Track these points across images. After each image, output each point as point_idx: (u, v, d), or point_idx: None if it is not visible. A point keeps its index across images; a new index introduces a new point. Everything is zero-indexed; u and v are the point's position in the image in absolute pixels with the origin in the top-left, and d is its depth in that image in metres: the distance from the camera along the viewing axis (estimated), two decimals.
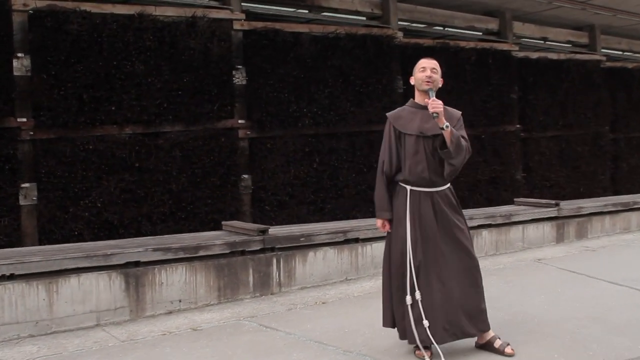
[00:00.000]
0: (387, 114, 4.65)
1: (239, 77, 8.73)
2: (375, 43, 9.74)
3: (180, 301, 6.03)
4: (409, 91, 10.02)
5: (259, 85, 8.75)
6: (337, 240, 7.12)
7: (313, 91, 9.16)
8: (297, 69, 9.00)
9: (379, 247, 7.39)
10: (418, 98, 4.60)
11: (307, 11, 10.10)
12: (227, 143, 8.48)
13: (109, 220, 7.63)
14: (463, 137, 4.51)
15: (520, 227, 8.87)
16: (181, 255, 6.00)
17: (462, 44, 10.96)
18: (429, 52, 10.28)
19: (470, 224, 8.03)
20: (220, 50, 8.35)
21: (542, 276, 7.22)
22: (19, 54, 7.32)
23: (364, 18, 10.58)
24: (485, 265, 7.63)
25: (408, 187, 4.49)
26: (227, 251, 6.33)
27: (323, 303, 6.20)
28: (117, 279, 5.70)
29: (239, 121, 8.69)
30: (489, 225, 8.51)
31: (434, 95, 4.43)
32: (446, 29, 11.78)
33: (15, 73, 7.32)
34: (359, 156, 9.57)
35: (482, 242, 8.47)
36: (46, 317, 5.34)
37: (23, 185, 7.30)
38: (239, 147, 8.68)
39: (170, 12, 8.28)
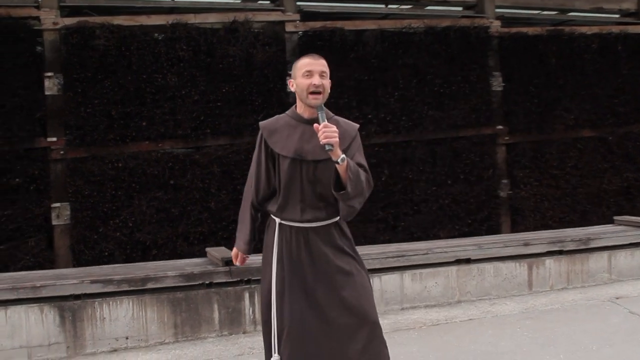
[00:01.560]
0: (261, 123, 3.55)
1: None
2: (461, 36, 8.43)
3: (127, 338, 5.40)
4: (510, 89, 8.67)
5: None
6: None
7: (380, 95, 8.12)
8: (359, 71, 8.03)
9: (391, 281, 6.28)
10: (301, 108, 3.44)
11: (383, 5, 9.08)
12: None
13: (141, 240, 7.24)
14: (361, 165, 3.39)
15: (604, 254, 6.99)
16: (125, 287, 5.34)
17: (584, 29, 9.21)
18: (535, 42, 8.82)
19: (529, 250, 6.64)
20: (265, 55, 7.67)
21: (597, 324, 5.54)
22: (49, 73, 7.24)
23: (460, 8, 9.31)
24: (533, 304, 6.25)
25: (277, 220, 3.42)
26: (183, 284, 5.55)
27: None
28: (50, 313, 5.25)
29: None
30: (558, 252, 6.81)
31: (324, 114, 3.24)
32: (559, 14, 10.07)
33: (46, 92, 7.24)
34: (439, 166, 8.30)
35: (546, 273, 6.79)
36: None
37: (54, 205, 7.17)
38: None
39: (212, 18, 7.79)
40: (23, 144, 7.08)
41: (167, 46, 7.41)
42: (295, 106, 3.48)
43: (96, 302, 5.33)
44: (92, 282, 5.33)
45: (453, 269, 6.39)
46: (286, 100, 7.84)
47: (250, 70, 7.65)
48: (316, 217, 3.34)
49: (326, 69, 3.41)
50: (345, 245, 3.42)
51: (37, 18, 7.25)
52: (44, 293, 5.21)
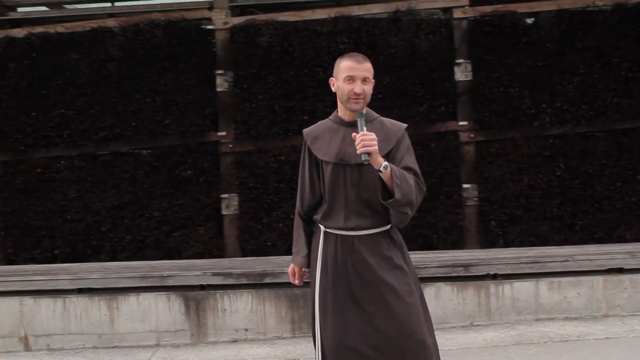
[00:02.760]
0: (304, 130, 3.36)
1: (462, 73, 7.58)
2: None
3: (246, 330, 5.47)
4: None
5: (482, 80, 7.48)
6: (454, 275, 5.61)
7: (556, 82, 7.44)
8: (532, 57, 7.43)
9: (524, 288, 5.70)
10: (342, 111, 3.24)
11: None
12: (440, 149, 7.45)
13: None
14: (410, 169, 3.12)
15: None
16: (244, 281, 5.43)
17: None
18: None
19: None
20: (429, 44, 7.38)
21: None
22: (220, 71, 7.60)
23: None
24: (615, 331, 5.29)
25: (322, 228, 3.22)
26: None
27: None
28: (177, 301, 5.50)
29: (460, 123, 7.55)
30: None
31: (364, 122, 3.01)
32: None
33: (217, 89, 7.63)
34: (626, 159, 7.42)
35: None
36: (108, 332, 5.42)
37: (223, 195, 7.54)
38: (459, 152, 7.55)
39: (376, 9, 7.66)
40: (195, 138, 7.56)
41: (329, 39, 7.44)
42: (337, 109, 3.28)
43: (218, 294, 5.53)
44: (214, 274, 5.56)
45: (599, 278, 5.68)
46: (451, 91, 7.53)
47: (413, 61, 7.43)
48: (360, 225, 3.14)
49: (370, 73, 3.16)
50: (395, 256, 3.16)
51: (209, 19, 7.68)
52: (171, 282, 5.53)
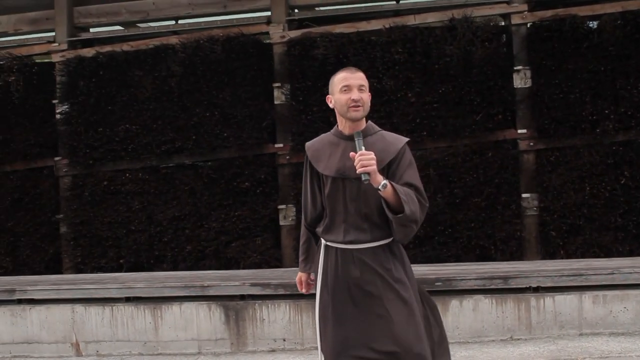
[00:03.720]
0: (306, 144, 3.34)
1: (521, 80, 7.42)
2: None
3: (284, 340, 5.52)
4: None
5: (541, 87, 7.29)
6: (493, 287, 5.43)
7: (619, 87, 7.17)
8: (594, 61, 7.19)
9: (567, 302, 5.42)
10: (342, 125, 3.18)
11: None
12: (497, 158, 7.31)
13: None
14: (411, 185, 3.07)
15: None
16: (281, 292, 5.47)
17: None
18: None
19: None
20: (485, 52, 7.27)
21: None
22: (277, 84, 7.74)
23: None
24: None
25: (323, 242, 3.21)
26: None
27: None
28: (217, 311, 5.61)
29: (519, 131, 7.38)
30: None
31: (362, 142, 2.98)
32: None
33: (275, 102, 7.77)
34: None
35: None
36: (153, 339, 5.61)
37: (280, 207, 7.65)
38: (518, 160, 7.38)
39: (431, 18, 7.61)
40: (252, 150, 7.71)
41: (383, 50, 7.46)
42: (337, 124, 3.23)
43: (256, 304, 5.59)
44: (252, 285, 5.63)
45: None
46: (509, 99, 7.39)
47: (468, 69, 7.34)
48: (359, 239, 3.10)
49: (365, 82, 3.14)
50: (395, 269, 3.11)
51: (267, 33, 7.85)
52: (211, 292, 5.65)
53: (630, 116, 7.17)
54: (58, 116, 8.14)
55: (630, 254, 7.12)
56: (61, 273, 8.05)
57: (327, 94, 3.31)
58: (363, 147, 2.96)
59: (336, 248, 3.14)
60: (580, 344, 5.15)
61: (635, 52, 7.18)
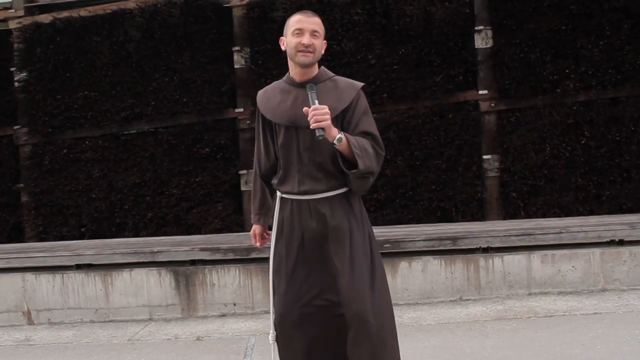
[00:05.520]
0: (258, 92, 3.26)
1: (482, 40, 7.33)
2: None
3: (234, 304, 5.49)
4: None
5: (502, 47, 7.21)
6: (442, 248, 5.40)
7: (581, 45, 7.10)
8: (555, 20, 7.10)
9: (516, 262, 5.43)
10: (293, 71, 3.10)
11: None
12: (458, 119, 7.24)
13: None
14: (367, 133, 2.99)
15: None
16: (231, 256, 5.42)
17: None
18: None
19: None
20: (445, 12, 7.17)
21: None
22: (237, 47, 7.63)
23: None
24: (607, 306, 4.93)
25: (278, 194, 3.14)
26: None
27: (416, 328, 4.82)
28: (167, 276, 5.56)
29: (480, 92, 7.32)
30: None
31: (315, 95, 2.90)
32: None
33: (235, 66, 7.67)
34: None
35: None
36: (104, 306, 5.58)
37: (242, 172, 7.59)
38: (479, 122, 7.32)
39: None
40: (212, 115, 7.62)
41: (343, 11, 7.34)
42: (289, 70, 3.15)
43: (206, 269, 5.56)
44: (202, 249, 5.59)
45: (596, 251, 5.35)
46: (470, 59, 7.31)
47: (428, 30, 7.24)
48: (315, 189, 3.03)
49: (319, 27, 3.04)
50: (351, 222, 3.04)
51: None
52: (161, 258, 5.61)
53: (591, 75, 7.10)
54: (16, 84, 8.00)
55: (591, 213, 7.10)
56: (23, 242, 8.00)
57: (286, 57, 3.24)
58: (316, 101, 2.89)
59: (291, 200, 3.07)
60: (527, 303, 5.17)
61: (596, 11, 7.09)
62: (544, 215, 7.15)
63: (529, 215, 7.17)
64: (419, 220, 7.26)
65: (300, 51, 2.99)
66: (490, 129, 7.37)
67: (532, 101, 7.23)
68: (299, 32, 3.01)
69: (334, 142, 2.85)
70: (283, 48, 3.13)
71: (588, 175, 7.13)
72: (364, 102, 3.10)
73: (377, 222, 7.26)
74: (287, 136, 3.06)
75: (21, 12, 8.06)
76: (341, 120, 3.02)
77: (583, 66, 7.11)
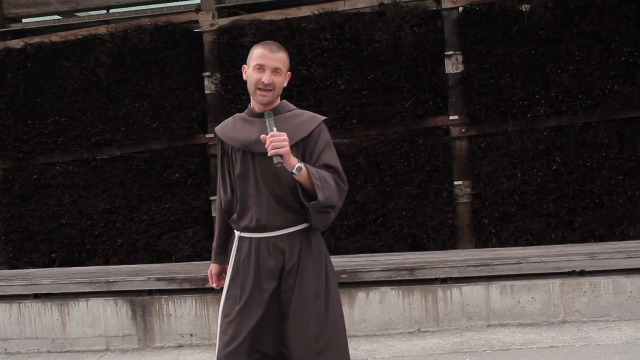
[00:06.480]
0: (217, 126, 3.21)
1: (452, 65, 7.28)
2: None
3: (191, 335, 5.40)
4: None
5: (472, 73, 7.16)
6: (399, 279, 5.31)
7: (550, 71, 7.04)
8: (524, 46, 7.05)
9: (474, 292, 5.34)
10: (254, 103, 3.03)
11: None
12: (429, 145, 7.19)
13: None
14: (330, 167, 2.91)
15: None
16: (187, 286, 5.36)
17: None
18: None
19: None
20: (414, 38, 7.13)
21: None
22: (207, 73, 7.59)
23: None
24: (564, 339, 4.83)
25: (237, 233, 3.04)
26: None
27: None
28: (124, 307, 5.52)
29: (451, 117, 7.26)
30: None
31: (273, 123, 2.82)
32: None
33: (206, 91, 7.63)
34: (629, 151, 6.95)
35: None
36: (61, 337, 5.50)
37: (212, 198, 7.52)
38: (450, 147, 7.26)
39: (362, 3, 7.46)
40: (183, 141, 7.58)
41: (312, 37, 7.32)
42: (250, 102, 3.09)
43: (163, 299, 5.49)
44: (158, 280, 5.51)
45: (556, 282, 5.24)
46: (440, 85, 7.27)
47: (398, 55, 7.20)
48: (273, 224, 2.93)
49: (282, 64, 2.95)
50: (309, 262, 2.96)
51: (197, 22, 7.69)
52: (117, 288, 5.54)
53: (561, 101, 7.04)
54: None
55: (563, 241, 7.02)
56: None
57: (245, 83, 3.18)
58: (275, 128, 2.81)
59: (250, 238, 2.98)
60: (486, 335, 5.07)
61: (566, 36, 7.04)
62: (516, 242, 7.07)
63: (501, 243, 7.09)
64: (390, 248, 7.19)
65: (259, 89, 2.93)
66: (462, 155, 7.31)
67: (503, 127, 7.17)
68: (261, 68, 2.93)
69: (294, 171, 2.77)
70: (245, 78, 3.06)
71: (560, 201, 7.06)
72: (326, 135, 3.01)
73: (348, 249, 7.22)
74: (244, 166, 2.97)
75: None
76: (301, 152, 2.94)
77: (554, 91, 7.05)
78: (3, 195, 7.87)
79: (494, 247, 7.09)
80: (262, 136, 2.80)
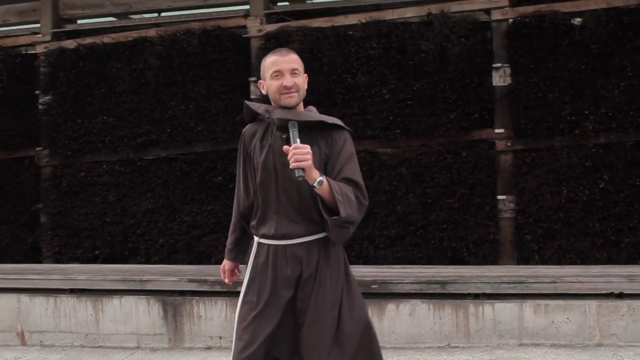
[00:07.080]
0: (245, 128, 3.21)
1: (500, 78, 7.17)
2: None
3: (220, 338, 5.38)
4: None
5: (519, 86, 7.02)
6: (430, 292, 5.23)
7: (600, 87, 6.86)
8: (574, 60, 6.89)
9: (507, 310, 5.22)
10: (277, 110, 3.02)
11: None
12: (472, 158, 7.09)
13: None
14: (350, 180, 2.89)
15: None
16: (218, 288, 5.36)
17: None
18: None
19: None
20: (461, 48, 7.04)
21: None
22: (253, 78, 7.63)
23: None
24: None
25: (256, 238, 3.05)
26: None
27: None
28: (155, 306, 5.58)
29: (496, 130, 7.15)
30: None
31: (297, 134, 2.79)
32: None
33: (251, 96, 7.67)
34: None
35: None
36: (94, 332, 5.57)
37: None
38: (494, 161, 7.14)
39: (409, 12, 7.41)
40: (226, 144, 7.63)
41: (358, 45, 7.30)
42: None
43: (194, 300, 5.54)
44: (189, 281, 5.57)
45: (592, 303, 5.09)
46: (486, 97, 7.16)
47: (444, 66, 7.12)
48: (292, 233, 2.93)
49: (298, 64, 2.97)
50: (326, 272, 2.95)
51: (245, 27, 7.75)
52: (149, 287, 5.62)
53: (611, 117, 6.85)
54: (40, 107, 8.20)
55: (609, 261, 6.83)
56: (40, 262, 8.14)
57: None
58: (298, 140, 2.79)
59: (268, 245, 2.99)
60: (517, 354, 4.96)
61: (618, 51, 6.86)
62: (558, 260, 6.91)
63: (543, 261, 6.94)
64: (429, 260, 7.11)
65: (283, 94, 2.94)
66: (506, 169, 7.18)
67: (550, 142, 7.02)
68: (278, 74, 2.95)
69: (315, 184, 2.77)
70: (264, 92, 3.07)
71: (606, 220, 6.86)
72: (349, 147, 2.99)
73: (386, 260, 7.16)
74: (266, 174, 2.97)
75: (48, 37, 8.26)
76: (324, 163, 2.94)
77: (603, 107, 6.86)
78: (51, 190, 8.07)
79: (536, 264, 6.94)
80: (285, 147, 2.80)
